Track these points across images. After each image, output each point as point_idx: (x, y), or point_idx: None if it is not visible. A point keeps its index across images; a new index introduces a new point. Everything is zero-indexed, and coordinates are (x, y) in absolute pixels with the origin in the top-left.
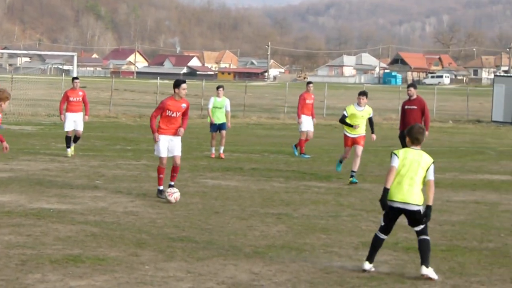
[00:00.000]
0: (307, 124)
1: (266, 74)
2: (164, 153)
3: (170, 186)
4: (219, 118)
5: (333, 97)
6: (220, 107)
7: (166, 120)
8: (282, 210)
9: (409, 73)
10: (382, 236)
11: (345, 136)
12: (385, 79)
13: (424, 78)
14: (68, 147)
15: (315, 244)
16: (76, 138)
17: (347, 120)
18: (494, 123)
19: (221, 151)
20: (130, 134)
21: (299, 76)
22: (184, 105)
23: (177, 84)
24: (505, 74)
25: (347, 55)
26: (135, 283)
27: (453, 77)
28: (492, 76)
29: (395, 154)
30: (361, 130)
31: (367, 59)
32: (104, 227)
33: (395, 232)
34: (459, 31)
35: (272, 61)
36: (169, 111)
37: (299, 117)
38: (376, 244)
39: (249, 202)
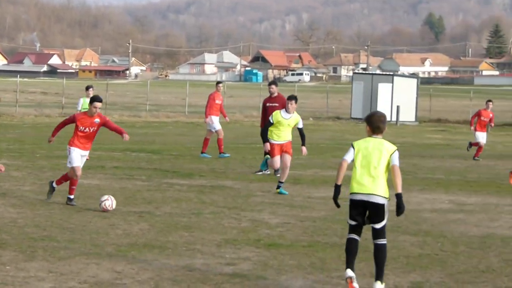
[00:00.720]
0: (217, 123)
1: (127, 72)
2: (77, 163)
3: (70, 199)
4: None
5: (195, 94)
6: None
7: (79, 136)
8: (144, 208)
9: (269, 71)
10: (354, 236)
11: (271, 144)
12: (246, 77)
13: (285, 75)
14: None
15: (178, 242)
16: None
17: (273, 129)
18: (353, 119)
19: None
20: None
21: (161, 74)
22: (97, 120)
23: (90, 100)
24: (364, 72)
25: (208, 52)
26: None
27: (313, 74)
28: (351, 73)
29: (352, 146)
30: (286, 136)
31: (228, 56)
32: None
33: (257, 228)
34: (318, 29)
35: (133, 59)
36: (81, 127)
37: (206, 116)
38: (350, 248)
39: None
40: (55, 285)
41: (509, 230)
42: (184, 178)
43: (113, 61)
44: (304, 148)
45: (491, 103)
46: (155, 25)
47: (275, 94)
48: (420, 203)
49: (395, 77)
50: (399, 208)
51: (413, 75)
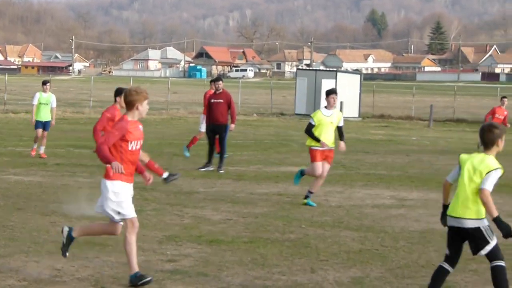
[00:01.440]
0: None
1: (70, 68)
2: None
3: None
4: (45, 115)
5: None
6: (46, 103)
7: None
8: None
9: (213, 67)
10: (444, 265)
11: (312, 150)
12: (190, 73)
13: (229, 71)
14: None
15: (119, 239)
16: None
17: (314, 131)
18: (297, 116)
19: (42, 151)
20: None
21: (104, 70)
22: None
23: (118, 92)
24: (307, 68)
25: (152, 49)
26: None
27: (257, 70)
28: (294, 69)
29: (459, 161)
30: (329, 139)
31: (172, 52)
32: None
33: (199, 225)
34: (261, 25)
35: (76, 55)
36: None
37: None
38: (435, 275)
39: (53, 198)
40: None
41: None
42: None
43: (56, 57)
44: (342, 143)
45: (506, 99)
46: (98, 21)
47: (220, 90)
48: (362, 198)
49: (338, 73)
50: (502, 231)
51: (356, 71)
